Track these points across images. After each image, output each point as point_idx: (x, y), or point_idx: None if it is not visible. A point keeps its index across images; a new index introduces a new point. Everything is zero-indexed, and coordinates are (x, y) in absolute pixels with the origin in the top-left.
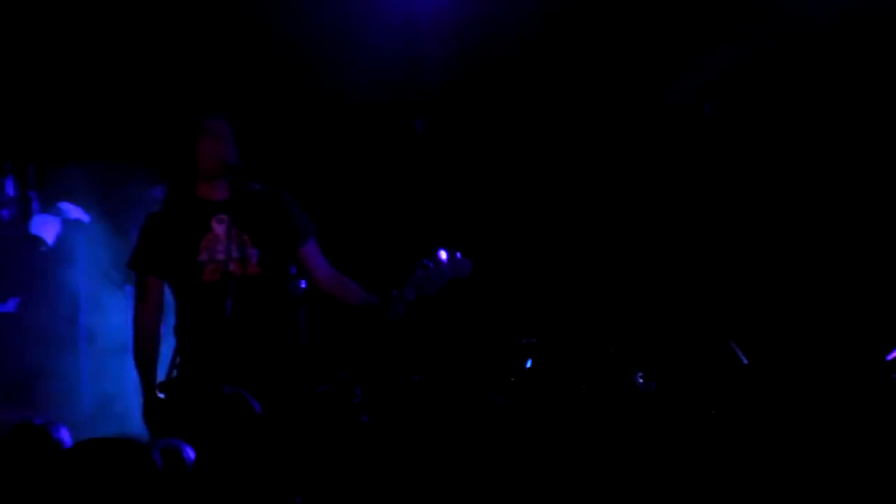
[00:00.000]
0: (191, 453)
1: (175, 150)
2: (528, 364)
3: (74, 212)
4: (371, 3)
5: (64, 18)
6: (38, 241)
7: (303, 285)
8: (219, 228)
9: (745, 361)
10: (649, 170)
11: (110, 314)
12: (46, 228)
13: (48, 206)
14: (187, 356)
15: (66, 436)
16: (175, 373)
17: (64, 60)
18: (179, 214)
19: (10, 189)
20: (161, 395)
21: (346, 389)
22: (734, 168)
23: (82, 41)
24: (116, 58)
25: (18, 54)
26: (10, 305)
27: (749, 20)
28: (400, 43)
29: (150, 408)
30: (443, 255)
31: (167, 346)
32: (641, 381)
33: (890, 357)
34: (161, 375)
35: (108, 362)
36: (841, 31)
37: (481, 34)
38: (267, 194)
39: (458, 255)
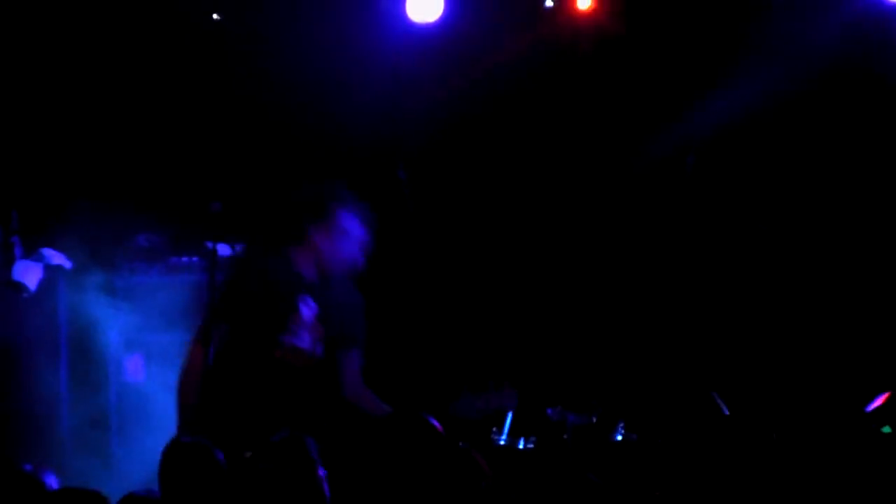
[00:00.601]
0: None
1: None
2: (510, 417)
3: (57, 258)
4: (357, 52)
5: (46, 64)
6: (20, 287)
7: None
8: (305, 312)
9: (727, 412)
10: (634, 220)
11: (93, 360)
12: (29, 274)
13: (31, 252)
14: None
15: (52, 481)
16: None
17: (48, 105)
18: (271, 279)
19: None
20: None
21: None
22: (718, 219)
23: (66, 84)
24: (101, 103)
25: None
26: None
27: (734, 74)
28: (385, 92)
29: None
30: (491, 385)
31: None
32: (623, 431)
33: (870, 408)
34: None
35: (90, 408)
36: (825, 84)
37: (466, 83)
38: (346, 289)
39: (507, 387)
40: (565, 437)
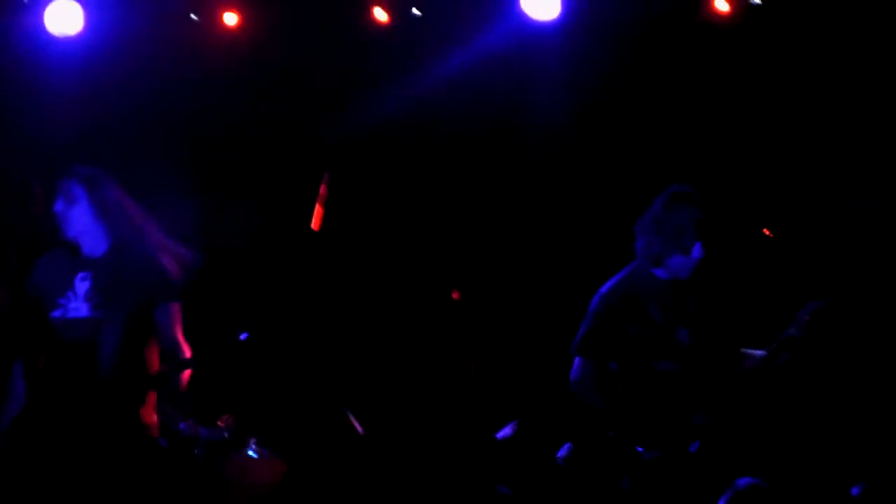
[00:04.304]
0: None
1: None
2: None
3: None
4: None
5: None
6: None
7: None
8: (81, 285)
9: (361, 431)
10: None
11: None
12: None
13: None
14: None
15: None
16: None
17: None
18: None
19: None
20: None
21: None
22: (359, 237)
23: None
24: None
25: None
26: None
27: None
28: (25, 106)
29: None
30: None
31: None
32: (255, 447)
33: (499, 435)
34: None
35: None
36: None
37: (111, 96)
38: (136, 253)
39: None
40: (197, 451)
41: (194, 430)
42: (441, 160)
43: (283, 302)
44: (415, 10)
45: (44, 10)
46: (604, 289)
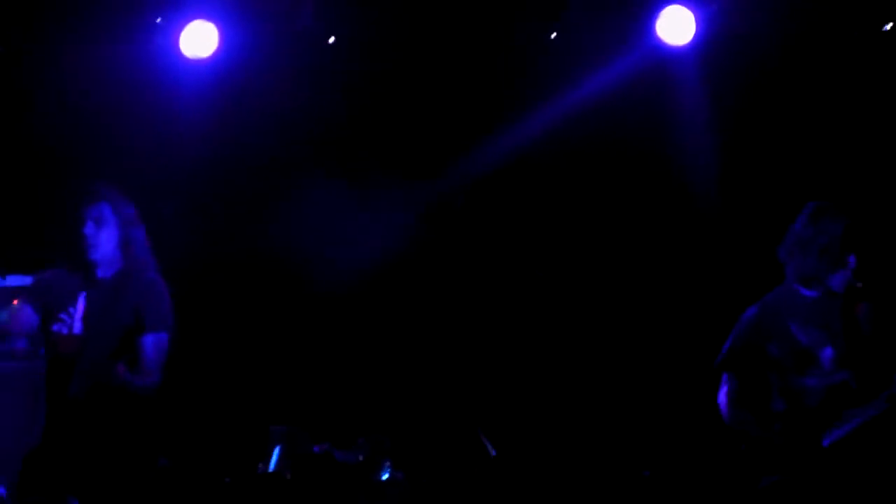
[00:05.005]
0: None
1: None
2: (277, 451)
3: None
4: (132, 88)
5: None
6: None
7: None
8: (81, 304)
9: (494, 453)
10: (406, 257)
11: None
12: None
13: None
14: None
15: None
16: None
17: None
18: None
19: None
20: None
21: None
22: (491, 261)
23: None
24: None
25: None
26: None
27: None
28: (160, 127)
29: None
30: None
31: None
32: (390, 469)
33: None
34: None
35: None
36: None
37: (242, 118)
38: (145, 278)
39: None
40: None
41: (329, 453)
42: (579, 181)
43: (417, 323)
44: (552, 36)
45: (178, 31)
46: (749, 309)
